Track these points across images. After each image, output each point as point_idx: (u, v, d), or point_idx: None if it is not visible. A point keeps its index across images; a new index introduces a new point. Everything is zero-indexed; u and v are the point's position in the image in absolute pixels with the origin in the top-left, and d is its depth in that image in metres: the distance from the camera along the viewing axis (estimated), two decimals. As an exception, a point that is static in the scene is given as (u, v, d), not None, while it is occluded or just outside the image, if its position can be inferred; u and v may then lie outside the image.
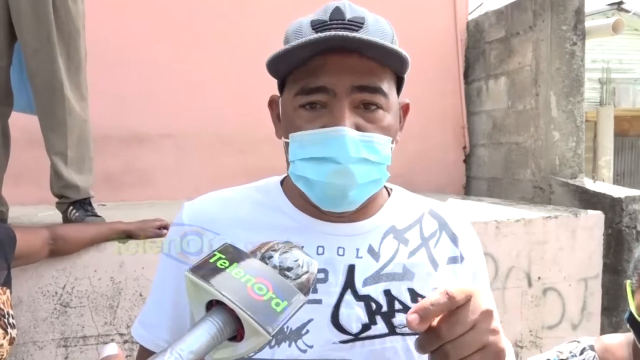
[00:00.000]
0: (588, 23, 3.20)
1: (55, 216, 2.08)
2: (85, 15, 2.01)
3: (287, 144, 0.76)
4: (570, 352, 1.23)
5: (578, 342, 1.26)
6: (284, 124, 0.77)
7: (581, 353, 1.22)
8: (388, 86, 0.74)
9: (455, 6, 3.89)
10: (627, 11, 10.44)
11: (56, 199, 2.02)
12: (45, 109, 1.92)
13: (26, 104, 2.07)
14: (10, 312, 1.39)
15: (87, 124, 2.00)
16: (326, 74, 0.71)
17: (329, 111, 0.71)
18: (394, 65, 0.74)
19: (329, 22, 0.71)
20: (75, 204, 1.97)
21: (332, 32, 0.68)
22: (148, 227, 1.84)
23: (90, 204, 2.01)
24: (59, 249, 1.67)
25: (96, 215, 1.96)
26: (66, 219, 1.99)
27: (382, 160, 0.74)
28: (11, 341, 1.35)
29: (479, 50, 3.83)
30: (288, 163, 0.77)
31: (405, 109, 0.83)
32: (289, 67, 0.73)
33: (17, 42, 1.92)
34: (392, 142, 0.76)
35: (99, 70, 2.15)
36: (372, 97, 0.72)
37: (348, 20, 0.71)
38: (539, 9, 3.24)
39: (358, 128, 0.71)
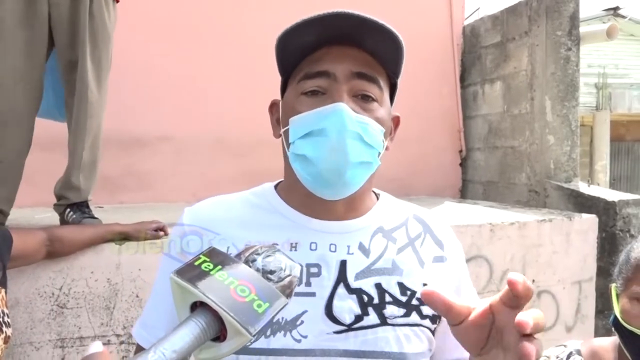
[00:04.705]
0: (583, 28, 3.23)
1: (53, 218, 2.09)
2: (115, 22, 2.04)
3: (286, 133, 0.79)
4: (557, 357, 1.24)
5: (565, 346, 1.27)
6: (285, 115, 0.80)
7: (568, 357, 1.23)
8: (383, 84, 0.80)
9: (452, 11, 3.92)
10: (623, 17, 10.49)
11: (54, 201, 2.03)
12: (71, 112, 1.96)
13: (44, 110, 2.08)
14: (6, 311, 1.40)
15: (101, 130, 2.03)
16: (328, 61, 0.77)
17: (329, 95, 0.76)
18: (390, 58, 0.79)
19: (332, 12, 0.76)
20: (73, 206, 1.98)
21: (336, 10, 0.73)
22: (145, 228, 1.86)
23: (87, 206, 2.02)
24: (55, 251, 1.68)
25: (93, 217, 1.98)
26: (63, 221, 2.00)
27: (375, 145, 0.78)
28: (6, 340, 1.36)
29: (475, 55, 3.85)
30: (286, 158, 0.81)
31: (396, 121, 0.88)
32: (294, 53, 0.78)
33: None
34: (385, 138, 0.80)
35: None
36: (369, 86, 0.77)
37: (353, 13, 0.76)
38: (534, 14, 3.28)
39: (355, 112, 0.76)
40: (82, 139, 1.95)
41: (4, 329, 1.35)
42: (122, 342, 1.80)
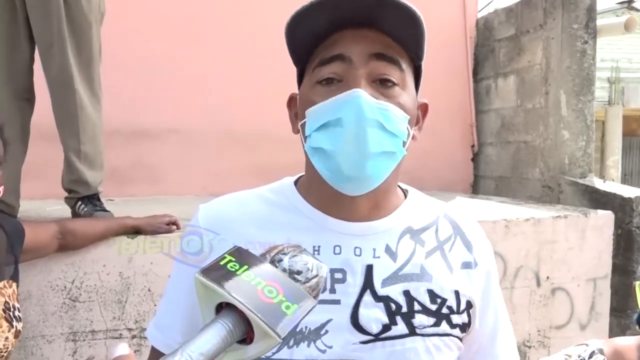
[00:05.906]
0: (599, 21, 3.18)
1: (64, 211, 2.09)
2: (104, 10, 2.01)
3: (303, 127, 0.74)
4: (579, 356, 1.21)
5: (587, 345, 1.24)
6: (302, 107, 0.75)
7: (590, 357, 1.20)
8: (405, 67, 0.74)
9: (465, 3, 3.87)
10: (637, 10, 10.36)
11: (65, 193, 2.02)
12: (58, 103, 1.94)
13: None
14: (17, 305, 1.39)
15: (99, 120, 2.00)
16: (343, 44, 0.71)
17: (345, 82, 0.71)
18: (410, 39, 0.73)
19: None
20: (84, 199, 1.97)
21: None
22: (157, 222, 1.84)
23: (98, 199, 2.01)
24: (68, 244, 1.67)
25: (105, 210, 1.97)
26: (75, 214, 1.99)
27: (398, 133, 0.72)
28: (17, 334, 1.35)
29: (488, 48, 3.80)
30: (306, 153, 0.75)
31: (424, 109, 0.82)
32: (305, 39, 0.73)
33: None
34: (410, 127, 0.74)
35: (106, 66, 2.14)
36: (389, 69, 0.71)
37: None
38: (549, 6, 3.22)
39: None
40: (77, 131, 1.92)
41: (15, 323, 1.34)
42: (134, 336, 1.79)
